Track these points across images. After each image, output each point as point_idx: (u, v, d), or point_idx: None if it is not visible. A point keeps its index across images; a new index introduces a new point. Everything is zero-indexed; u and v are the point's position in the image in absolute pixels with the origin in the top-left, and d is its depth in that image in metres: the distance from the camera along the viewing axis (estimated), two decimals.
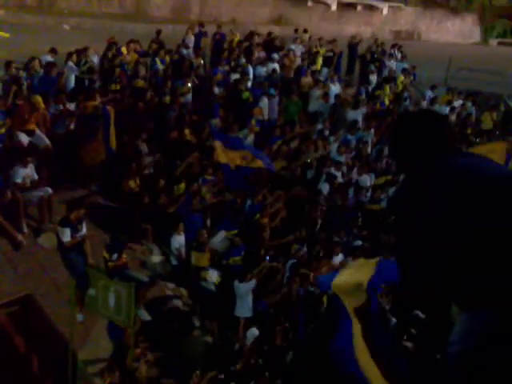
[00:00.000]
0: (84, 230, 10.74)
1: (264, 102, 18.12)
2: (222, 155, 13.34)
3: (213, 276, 12.02)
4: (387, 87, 21.53)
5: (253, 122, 16.92)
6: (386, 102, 21.17)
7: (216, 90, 18.14)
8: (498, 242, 2.68)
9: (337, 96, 19.29)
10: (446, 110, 20.39)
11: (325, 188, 15.05)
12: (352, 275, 8.97)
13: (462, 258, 2.73)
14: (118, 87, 16.60)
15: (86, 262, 10.36)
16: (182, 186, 13.42)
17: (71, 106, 14.47)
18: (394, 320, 10.84)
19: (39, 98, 13.22)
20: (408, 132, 3.22)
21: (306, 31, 25.52)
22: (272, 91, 18.47)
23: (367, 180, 15.81)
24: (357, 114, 18.85)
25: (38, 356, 9.84)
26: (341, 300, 8.70)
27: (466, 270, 2.75)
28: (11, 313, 10.25)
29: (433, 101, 21.32)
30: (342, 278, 8.78)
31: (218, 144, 13.45)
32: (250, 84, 18.97)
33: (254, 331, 10.73)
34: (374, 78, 22.47)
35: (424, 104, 21.23)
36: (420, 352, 9.88)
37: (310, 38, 25.21)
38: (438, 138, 3.12)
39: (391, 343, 9.88)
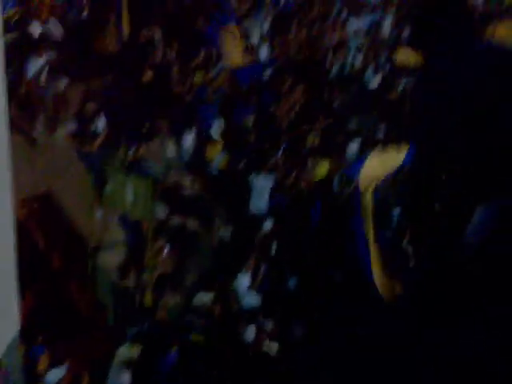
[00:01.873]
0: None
1: None
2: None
3: (220, 160, 12.12)
4: None
5: None
6: None
7: None
8: None
9: None
10: None
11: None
12: (383, 162, 8.93)
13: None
14: None
15: (103, 157, 10.44)
16: (199, 74, 13.17)
17: None
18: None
19: None
20: (434, 13, 3.17)
21: None
22: None
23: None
24: None
25: (58, 254, 10.09)
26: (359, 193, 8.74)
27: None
28: (32, 210, 10.43)
29: None
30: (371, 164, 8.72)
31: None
32: None
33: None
34: None
35: None
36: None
37: None
38: (462, 21, 3.07)
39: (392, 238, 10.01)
